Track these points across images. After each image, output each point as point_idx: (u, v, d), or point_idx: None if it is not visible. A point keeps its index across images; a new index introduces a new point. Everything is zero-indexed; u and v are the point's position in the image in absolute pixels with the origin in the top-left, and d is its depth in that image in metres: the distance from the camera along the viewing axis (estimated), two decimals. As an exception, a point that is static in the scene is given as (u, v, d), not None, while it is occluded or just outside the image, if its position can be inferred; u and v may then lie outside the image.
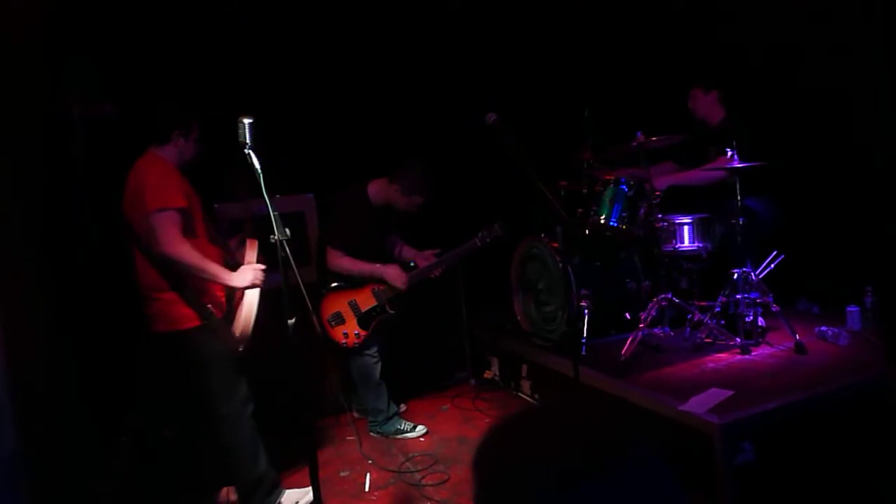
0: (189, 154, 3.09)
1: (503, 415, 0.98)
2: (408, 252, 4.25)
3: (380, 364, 4.10)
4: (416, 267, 4.12)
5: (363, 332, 3.97)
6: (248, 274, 2.98)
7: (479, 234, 4.08)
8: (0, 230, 2.37)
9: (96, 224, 3.47)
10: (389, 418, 4.14)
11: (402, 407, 4.47)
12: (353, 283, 3.99)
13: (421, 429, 4.13)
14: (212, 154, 3.17)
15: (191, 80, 3.92)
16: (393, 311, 4.03)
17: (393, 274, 3.94)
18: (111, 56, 3.81)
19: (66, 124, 3.65)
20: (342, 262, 3.92)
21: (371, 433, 4.17)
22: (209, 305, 2.95)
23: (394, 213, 4.12)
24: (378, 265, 3.95)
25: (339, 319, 3.96)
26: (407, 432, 4.11)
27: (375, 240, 4.11)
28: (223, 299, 3.06)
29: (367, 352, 4.05)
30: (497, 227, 4.07)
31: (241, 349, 3.02)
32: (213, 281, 2.95)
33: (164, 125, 3.01)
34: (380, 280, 3.98)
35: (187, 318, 2.93)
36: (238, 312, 3.05)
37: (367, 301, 3.99)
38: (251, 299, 3.07)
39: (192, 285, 2.94)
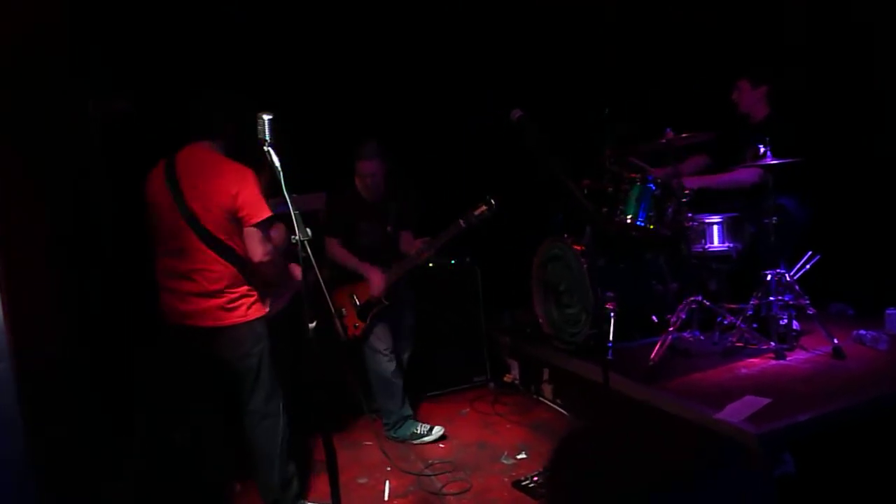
0: (229, 147, 3.05)
1: (582, 423, 0.96)
2: (405, 244, 4.12)
3: (393, 363, 4.03)
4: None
5: (361, 324, 3.98)
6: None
7: (465, 214, 3.84)
8: (14, 227, 2.29)
9: (113, 221, 3.41)
10: (403, 419, 4.05)
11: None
12: (352, 276, 3.99)
13: (438, 430, 4.01)
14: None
15: (203, 78, 3.89)
16: (388, 302, 3.97)
17: (373, 277, 3.94)
18: (125, 53, 3.77)
19: (84, 120, 3.60)
20: (336, 251, 4.01)
21: (387, 437, 4.06)
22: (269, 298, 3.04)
23: (391, 205, 4.05)
24: (364, 264, 3.97)
25: (341, 314, 4.01)
26: (424, 436, 4.00)
27: (376, 231, 4.06)
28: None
29: (380, 349, 4.00)
30: (482, 205, 3.81)
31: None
32: (287, 278, 3.10)
33: (225, 117, 2.98)
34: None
35: (255, 309, 2.98)
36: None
37: (364, 293, 3.99)
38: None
39: (258, 280, 3.01)
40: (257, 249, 2.86)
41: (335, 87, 4.62)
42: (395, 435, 4.05)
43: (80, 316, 3.03)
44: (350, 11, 4.61)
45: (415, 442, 3.99)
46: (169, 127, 3.05)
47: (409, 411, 4.10)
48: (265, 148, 2.42)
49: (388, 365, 4.01)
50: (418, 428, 4.03)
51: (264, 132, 2.41)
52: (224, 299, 2.91)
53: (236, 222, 2.87)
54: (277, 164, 2.43)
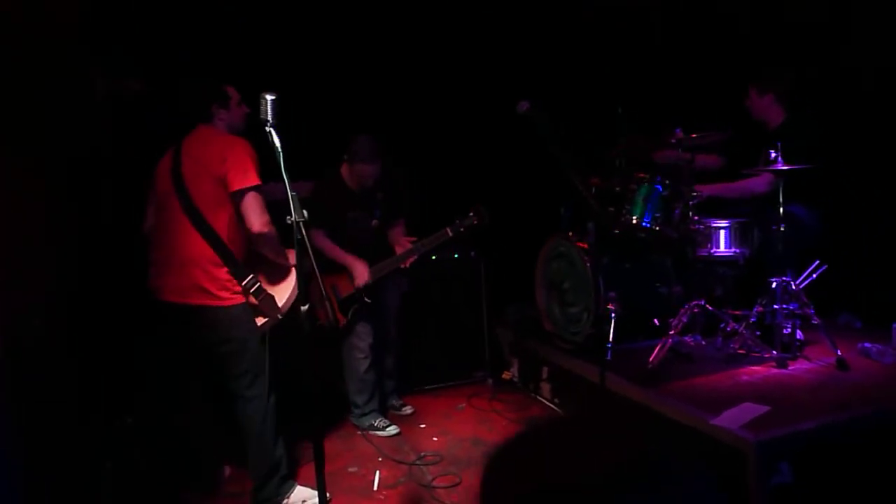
0: (237, 120, 3.09)
1: (524, 425, 0.89)
2: (393, 238, 4.09)
3: (368, 361, 4.02)
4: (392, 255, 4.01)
5: (342, 318, 3.93)
6: None
7: (454, 222, 3.89)
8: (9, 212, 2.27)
9: (111, 204, 3.39)
10: (365, 414, 4.07)
11: (408, 409, 4.35)
12: (335, 267, 3.91)
13: (392, 429, 4.02)
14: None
15: (211, 60, 3.91)
16: (369, 301, 3.94)
17: (357, 270, 3.87)
18: (135, 33, 3.75)
19: (94, 99, 3.58)
20: (321, 242, 3.87)
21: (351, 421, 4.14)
22: (258, 283, 2.99)
23: (378, 195, 4.00)
24: (349, 256, 3.90)
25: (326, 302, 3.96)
26: (379, 430, 4.02)
27: (363, 221, 4.00)
28: (267, 276, 3.13)
29: (358, 346, 3.99)
30: (472, 216, 3.85)
31: (279, 316, 3.06)
32: (280, 258, 3.07)
33: (201, 104, 3.02)
34: None
35: (235, 294, 2.94)
36: (284, 285, 3.16)
37: (346, 287, 3.93)
38: (293, 275, 3.14)
39: (243, 262, 2.96)
40: (255, 219, 2.83)
41: (324, 74, 4.58)
42: (356, 423, 4.10)
43: (73, 299, 3.01)
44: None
45: (370, 432, 4.02)
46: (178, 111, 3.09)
47: (375, 406, 4.11)
48: (266, 128, 2.39)
49: (362, 363, 4.01)
50: (376, 421, 4.05)
51: (266, 112, 2.38)
52: (200, 280, 2.88)
53: (225, 194, 2.85)
54: (278, 145, 2.40)
